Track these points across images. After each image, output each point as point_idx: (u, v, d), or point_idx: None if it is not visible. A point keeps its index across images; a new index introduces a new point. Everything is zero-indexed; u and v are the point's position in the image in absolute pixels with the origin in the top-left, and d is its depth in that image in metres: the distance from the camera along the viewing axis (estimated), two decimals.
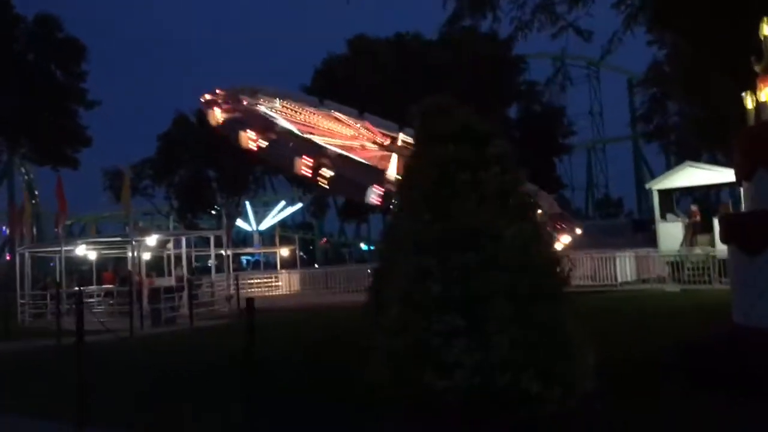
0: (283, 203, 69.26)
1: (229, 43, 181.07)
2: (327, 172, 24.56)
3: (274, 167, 34.77)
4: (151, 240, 19.76)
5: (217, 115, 27.82)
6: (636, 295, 17.67)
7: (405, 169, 13.32)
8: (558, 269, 7.21)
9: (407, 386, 6.67)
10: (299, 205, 70.38)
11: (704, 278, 20.34)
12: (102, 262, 30.11)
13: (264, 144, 25.58)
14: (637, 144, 69.27)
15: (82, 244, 22.34)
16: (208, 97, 29.62)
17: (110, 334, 15.67)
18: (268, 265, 39.77)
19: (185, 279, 19.80)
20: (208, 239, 23.09)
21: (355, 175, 25.10)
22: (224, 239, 22.75)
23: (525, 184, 7.53)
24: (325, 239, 53.64)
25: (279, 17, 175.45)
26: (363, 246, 70.55)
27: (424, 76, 43.67)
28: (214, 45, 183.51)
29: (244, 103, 30.51)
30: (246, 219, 53.47)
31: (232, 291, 21.30)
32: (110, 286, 23.11)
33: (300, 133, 27.77)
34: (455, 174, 7.14)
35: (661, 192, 22.02)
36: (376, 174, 25.73)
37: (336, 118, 34.10)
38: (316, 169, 24.65)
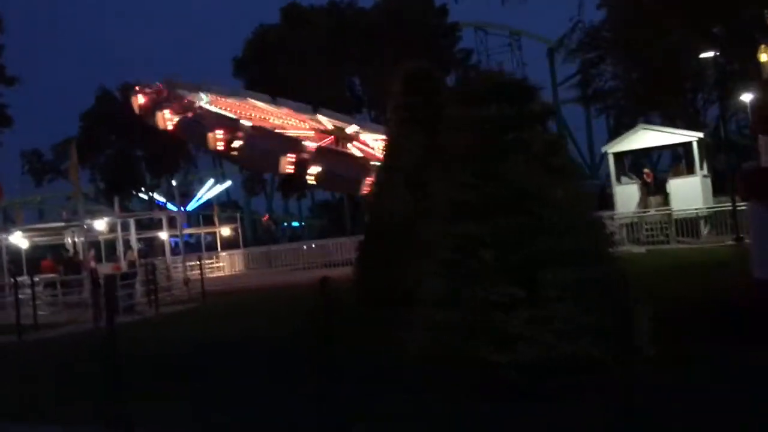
0: (212, 181, 67.17)
1: (157, 14, 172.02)
2: (237, 143, 24.42)
3: (191, 143, 34.04)
4: (100, 223, 18.44)
5: (166, 116, 27.56)
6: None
7: (391, 139, 12.91)
8: (603, 230, 6.95)
9: (461, 360, 6.30)
10: (228, 183, 68.43)
11: (661, 238, 20.86)
12: (32, 251, 28.19)
13: (238, 144, 25.47)
14: (560, 110, 70.29)
15: (17, 230, 20.63)
16: (142, 101, 29.53)
17: (71, 326, 14.64)
18: (198, 247, 38.41)
19: (138, 263, 18.66)
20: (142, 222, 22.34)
21: (267, 145, 24.73)
22: (178, 220, 21.62)
23: (566, 142, 7.17)
24: (267, 216, 52.34)
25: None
26: (294, 223, 69.34)
27: (360, 43, 42.96)
28: (140, 16, 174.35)
29: (165, 93, 29.86)
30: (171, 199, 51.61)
31: (188, 274, 20.29)
32: (51, 275, 21.55)
33: (216, 110, 27.41)
34: (498, 134, 6.69)
35: (615, 155, 22.34)
36: (290, 143, 25.23)
37: (254, 106, 33.34)
38: (228, 142, 24.36)
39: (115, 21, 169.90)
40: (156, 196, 51.77)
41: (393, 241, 11.74)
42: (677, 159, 29.03)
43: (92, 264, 17.69)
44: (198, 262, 20.03)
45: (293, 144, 24.30)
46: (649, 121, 36.23)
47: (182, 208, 45.28)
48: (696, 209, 20.81)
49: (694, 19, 22.13)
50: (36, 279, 22.34)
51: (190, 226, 48.48)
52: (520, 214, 6.39)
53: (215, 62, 58.64)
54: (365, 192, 23.15)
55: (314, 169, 22.64)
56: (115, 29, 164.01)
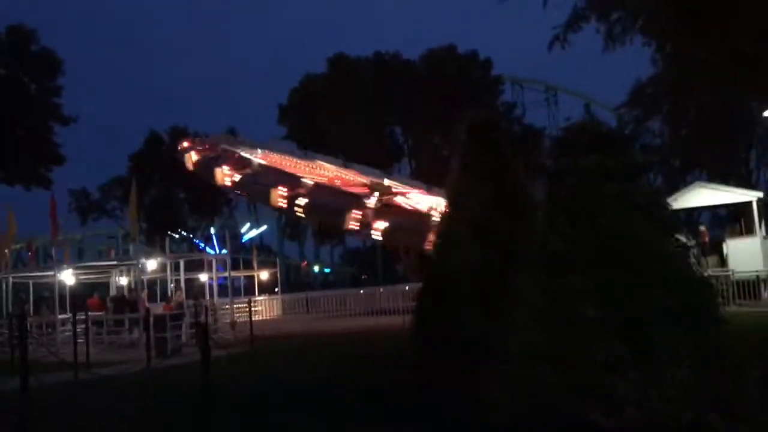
0: (248, 225, 67.78)
1: (208, 66, 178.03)
2: (302, 200, 24.39)
3: (251, 201, 34.22)
4: (152, 263, 18.51)
5: (193, 158, 27.74)
6: None
7: (456, 189, 12.76)
8: (711, 287, 6.62)
9: (556, 420, 5.95)
10: (264, 227, 68.97)
11: (719, 300, 20.10)
12: (76, 289, 28.45)
13: (238, 178, 25.66)
14: None
15: (68, 268, 20.82)
16: (186, 144, 29.69)
17: (124, 366, 14.52)
18: (235, 290, 38.33)
19: (187, 304, 18.61)
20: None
21: (330, 201, 24.69)
22: (227, 261, 21.64)
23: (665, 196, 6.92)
24: (305, 262, 52.41)
25: (259, 47, 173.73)
26: (326, 269, 69.16)
27: (403, 95, 43.46)
28: (192, 67, 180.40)
29: (219, 148, 30.10)
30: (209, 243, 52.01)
31: (236, 317, 20.17)
32: (98, 312, 21.62)
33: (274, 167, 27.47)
34: (599, 185, 6.47)
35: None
36: (352, 199, 25.15)
37: (322, 166, 33.42)
38: (291, 199, 24.38)
39: (166, 66, 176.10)
40: (202, 239, 52.35)
41: (458, 292, 11.45)
42: (719, 220, 28.27)
43: (145, 304, 17.68)
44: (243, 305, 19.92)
45: (356, 200, 24.22)
46: (697, 179, 35.73)
47: (224, 251, 45.65)
48: (756, 271, 20.12)
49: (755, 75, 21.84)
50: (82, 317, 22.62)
51: (225, 269, 48.71)
52: (625, 267, 6.12)
53: (263, 110, 59.89)
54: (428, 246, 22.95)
55: (379, 224, 22.45)
56: (167, 75, 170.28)
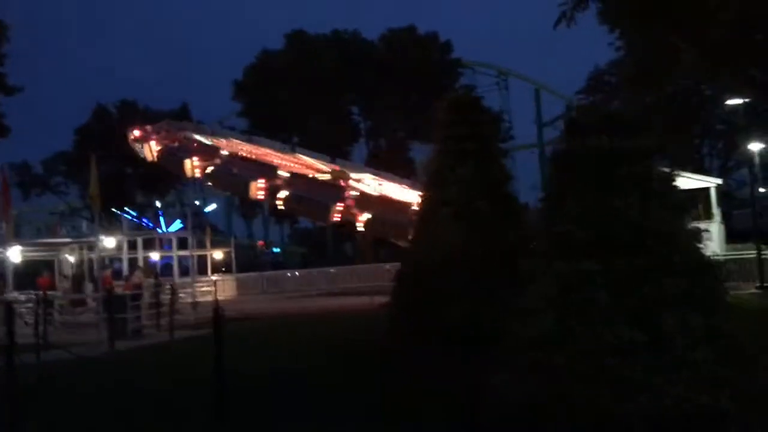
0: (197, 203, 66.18)
1: (159, 35, 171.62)
2: (282, 193, 24.07)
3: (224, 190, 33.44)
4: (110, 241, 17.72)
5: (153, 147, 26.90)
6: None
7: (436, 170, 12.52)
8: (718, 270, 6.61)
9: (570, 408, 5.84)
10: (213, 206, 67.50)
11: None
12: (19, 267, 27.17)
13: (210, 170, 25.25)
14: (543, 151, 70.53)
15: (17, 245, 19.80)
16: (137, 133, 28.75)
17: (84, 347, 13.86)
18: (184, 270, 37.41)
19: (145, 283, 17.95)
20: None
21: (312, 193, 24.44)
22: (190, 240, 20.98)
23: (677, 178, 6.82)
24: (262, 242, 51.52)
25: (212, 15, 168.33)
26: (275, 249, 68.20)
27: (363, 74, 42.96)
28: (142, 37, 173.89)
29: (177, 135, 29.36)
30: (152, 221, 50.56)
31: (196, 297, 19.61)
32: (50, 291, 20.68)
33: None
34: (611, 168, 6.33)
35: None
36: (334, 191, 24.91)
37: (268, 152, 32.92)
38: (271, 191, 24.07)
39: (117, 40, 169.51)
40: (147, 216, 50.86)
41: (440, 275, 11.28)
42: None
43: (137, 281, 16.94)
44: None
45: (338, 192, 24.03)
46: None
47: (174, 228, 44.52)
48: (714, 255, 20.62)
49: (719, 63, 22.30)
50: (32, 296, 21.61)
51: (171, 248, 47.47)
52: (638, 250, 6.02)
53: (217, 86, 58.28)
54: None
55: (363, 216, 22.29)
56: (117, 49, 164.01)
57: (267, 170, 25.16)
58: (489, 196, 11.80)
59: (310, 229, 64.34)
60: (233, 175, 24.80)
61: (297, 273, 36.84)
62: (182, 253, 41.09)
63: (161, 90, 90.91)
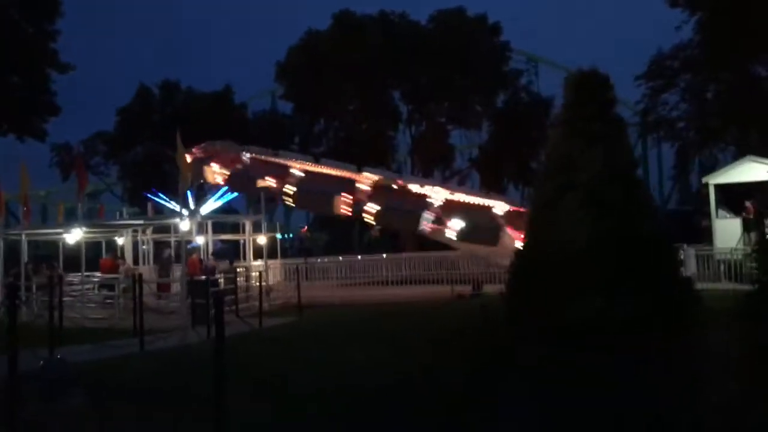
0: (225, 188, 65.47)
1: (205, 20, 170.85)
2: (290, 189, 24.10)
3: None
4: (185, 224, 17.03)
5: (215, 170, 27.10)
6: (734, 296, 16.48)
7: (561, 154, 11.59)
8: None
9: None
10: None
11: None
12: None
13: (228, 173, 25.71)
14: None
15: (78, 227, 19.20)
16: (199, 153, 28.34)
17: (176, 335, 13.21)
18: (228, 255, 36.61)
19: (219, 269, 17.30)
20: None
21: (318, 186, 24.32)
22: (263, 224, 20.33)
23: None
24: (305, 228, 50.88)
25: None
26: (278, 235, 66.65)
27: (411, 57, 41.90)
28: (185, 19, 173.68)
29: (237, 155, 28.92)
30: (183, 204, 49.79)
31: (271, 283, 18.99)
32: (113, 275, 20.16)
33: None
34: None
35: (717, 187, 21.14)
36: (342, 183, 24.32)
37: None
38: (281, 188, 24.21)
39: (159, 20, 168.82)
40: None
41: (564, 266, 10.40)
42: None
43: (213, 264, 16.30)
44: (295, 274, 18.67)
45: (346, 184, 23.66)
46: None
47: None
48: None
49: None
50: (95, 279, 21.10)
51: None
52: None
53: (260, 66, 57.46)
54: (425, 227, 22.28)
55: (371, 207, 22.16)
56: (160, 28, 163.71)
57: (280, 169, 24.92)
58: (621, 181, 10.91)
59: (334, 216, 62.88)
60: (247, 177, 24.66)
61: (348, 261, 36.06)
62: (225, 237, 40.68)
63: (203, 69, 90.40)
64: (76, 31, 43.42)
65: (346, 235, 49.93)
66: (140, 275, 13.42)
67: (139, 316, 11.50)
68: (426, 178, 50.76)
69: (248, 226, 20.44)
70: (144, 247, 22.56)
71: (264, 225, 21.03)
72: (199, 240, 26.93)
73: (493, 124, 44.59)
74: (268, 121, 48.88)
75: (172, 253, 18.94)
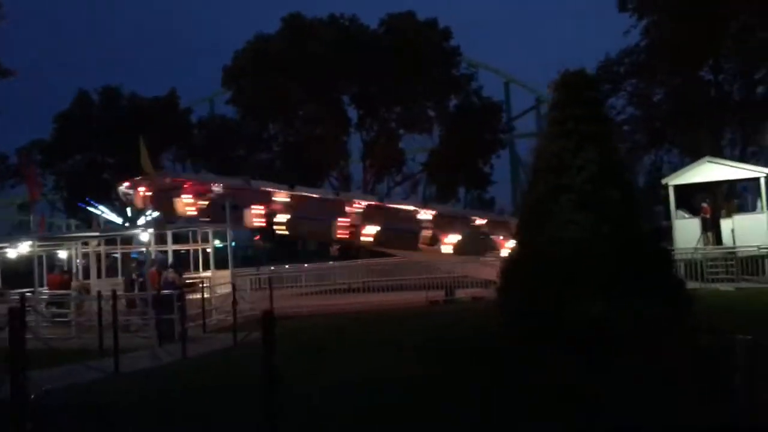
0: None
1: (149, 19, 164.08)
2: (282, 217, 23.18)
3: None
4: (145, 235, 16.04)
5: (141, 194, 25.69)
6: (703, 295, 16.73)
7: (552, 155, 11.35)
8: None
9: None
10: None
11: (721, 276, 19.86)
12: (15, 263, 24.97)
13: (204, 204, 24.07)
14: (513, 143, 69.48)
15: (28, 239, 17.95)
16: (128, 184, 27.02)
17: (141, 352, 12.37)
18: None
19: (180, 281, 16.41)
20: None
21: (314, 212, 23.49)
22: (228, 233, 19.47)
23: None
24: (258, 236, 49.67)
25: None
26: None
27: (362, 61, 41.47)
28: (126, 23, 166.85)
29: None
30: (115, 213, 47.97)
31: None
32: (64, 291, 18.92)
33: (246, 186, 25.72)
34: None
35: (676, 188, 21.54)
36: (335, 207, 23.99)
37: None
38: (269, 217, 23.16)
39: (102, 24, 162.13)
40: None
41: (561, 269, 10.17)
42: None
43: (173, 277, 15.32)
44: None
45: (339, 207, 23.25)
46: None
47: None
48: (764, 248, 20.02)
49: None
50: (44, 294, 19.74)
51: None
52: None
53: (207, 70, 55.84)
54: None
55: (369, 229, 22.15)
56: (103, 33, 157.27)
57: (263, 196, 24.02)
58: (616, 183, 10.77)
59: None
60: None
61: (297, 268, 35.20)
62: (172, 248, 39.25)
63: (147, 74, 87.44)
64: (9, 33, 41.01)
65: (290, 243, 49.06)
66: (114, 291, 12.46)
67: (113, 335, 10.60)
68: (377, 183, 50.93)
69: (210, 235, 19.51)
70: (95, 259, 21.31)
71: (230, 235, 20.06)
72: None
73: (445, 128, 44.58)
74: (217, 126, 47.60)
75: (152, 266, 17.85)
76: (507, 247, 21.62)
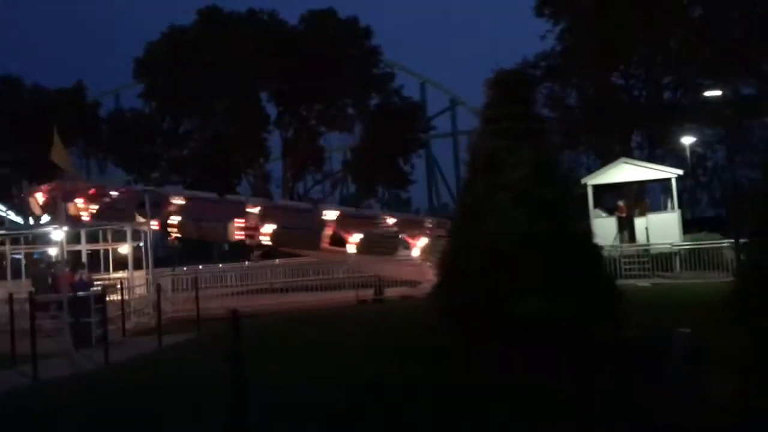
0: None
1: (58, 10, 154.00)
2: (174, 219, 23.41)
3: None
4: (59, 233, 14.96)
5: (40, 200, 25.71)
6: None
7: (488, 153, 11.34)
8: None
9: None
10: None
11: (635, 272, 20.70)
12: None
13: (95, 208, 24.49)
14: (429, 144, 70.55)
15: None
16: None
17: (55, 360, 11.52)
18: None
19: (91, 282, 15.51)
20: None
21: (207, 214, 23.80)
22: (148, 232, 18.51)
23: None
24: (173, 236, 47.75)
25: None
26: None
27: (281, 58, 40.76)
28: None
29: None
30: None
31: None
32: None
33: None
34: None
35: (594, 187, 22.29)
36: (232, 208, 23.89)
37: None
38: (163, 219, 23.21)
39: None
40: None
41: (500, 265, 10.21)
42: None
43: (87, 278, 14.30)
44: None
45: (236, 208, 23.59)
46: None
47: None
48: (677, 245, 21.01)
49: None
50: None
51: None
52: None
53: (117, 62, 53.26)
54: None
55: (267, 228, 22.43)
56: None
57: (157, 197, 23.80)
58: (551, 181, 10.91)
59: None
60: (119, 210, 23.25)
61: (216, 268, 34.16)
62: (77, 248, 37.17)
63: (54, 64, 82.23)
64: None
65: (201, 243, 47.62)
66: (30, 293, 11.51)
67: (31, 340, 9.76)
68: (297, 181, 50.24)
69: (129, 234, 18.51)
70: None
71: (149, 232, 19.10)
72: (51, 251, 24.32)
73: (366, 127, 44.50)
74: (128, 121, 45.51)
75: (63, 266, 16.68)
76: (418, 246, 22.18)
